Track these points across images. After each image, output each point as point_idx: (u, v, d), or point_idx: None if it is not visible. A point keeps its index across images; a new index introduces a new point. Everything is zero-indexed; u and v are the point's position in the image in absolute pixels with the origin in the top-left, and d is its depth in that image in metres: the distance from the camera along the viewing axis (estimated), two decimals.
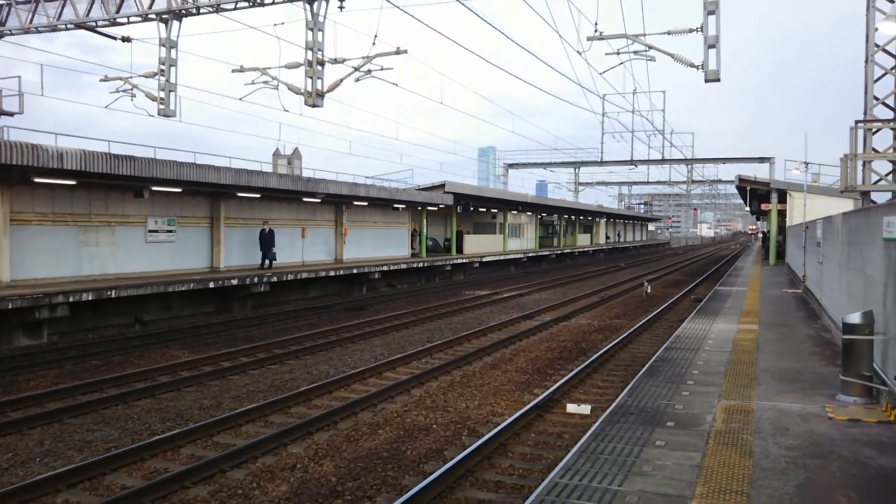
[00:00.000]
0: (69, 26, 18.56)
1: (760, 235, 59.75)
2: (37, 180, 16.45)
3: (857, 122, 15.77)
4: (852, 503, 4.89)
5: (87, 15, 18.43)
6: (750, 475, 5.43)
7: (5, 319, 14.89)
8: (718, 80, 15.99)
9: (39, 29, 19.11)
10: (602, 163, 56.74)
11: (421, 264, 32.12)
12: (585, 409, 10.23)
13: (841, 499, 4.97)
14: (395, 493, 7.11)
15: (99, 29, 18.38)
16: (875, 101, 16.20)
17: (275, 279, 22.03)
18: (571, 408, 10.34)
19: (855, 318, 7.63)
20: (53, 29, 18.84)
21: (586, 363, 13.18)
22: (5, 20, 19.80)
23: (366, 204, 30.25)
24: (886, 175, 16.39)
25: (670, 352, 11.04)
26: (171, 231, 21.28)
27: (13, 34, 19.85)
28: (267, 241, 23.67)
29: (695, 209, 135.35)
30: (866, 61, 16.13)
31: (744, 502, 4.89)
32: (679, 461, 5.77)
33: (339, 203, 28.87)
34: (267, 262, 23.73)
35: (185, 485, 7.28)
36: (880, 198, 17.14)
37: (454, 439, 9.05)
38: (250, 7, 17.23)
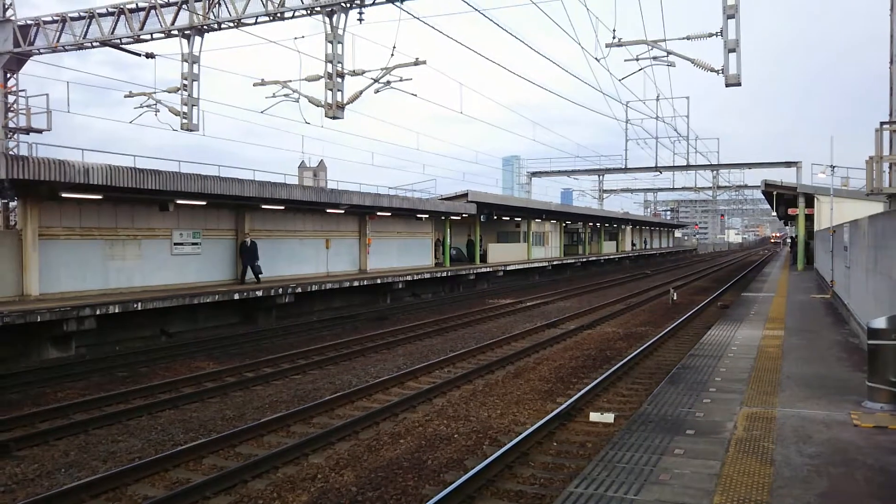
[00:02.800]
0: (95, 44, 18.92)
1: (789, 241, 58.65)
2: (64, 195, 16.77)
3: (882, 123, 15.55)
4: None
5: (112, 32, 18.79)
6: (770, 483, 5.34)
7: (35, 332, 15.15)
8: (739, 85, 15.85)
9: (66, 47, 19.49)
10: (626, 170, 56.50)
11: (445, 274, 32.13)
12: (609, 417, 10.14)
13: None
14: (415, 503, 7.10)
15: (123, 46, 18.72)
16: None
17: (299, 290, 22.16)
18: (594, 416, 10.25)
19: (880, 322, 7.50)
20: (80, 47, 19.22)
21: (610, 371, 13.07)
22: (34, 39, 20.22)
23: (389, 214, 30.35)
24: None
25: (694, 359, 10.91)
26: (196, 244, 21.51)
27: (41, 53, 20.26)
28: (248, 254, 22.35)
29: (721, 215, 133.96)
30: (891, 62, 15.89)
31: None
32: (698, 469, 5.69)
33: (363, 214, 29.01)
34: (255, 276, 22.30)
35: (205, 495, 7.33)
36: None
37: (475, 449, 9.02)
38: (270, 21, 17.44)
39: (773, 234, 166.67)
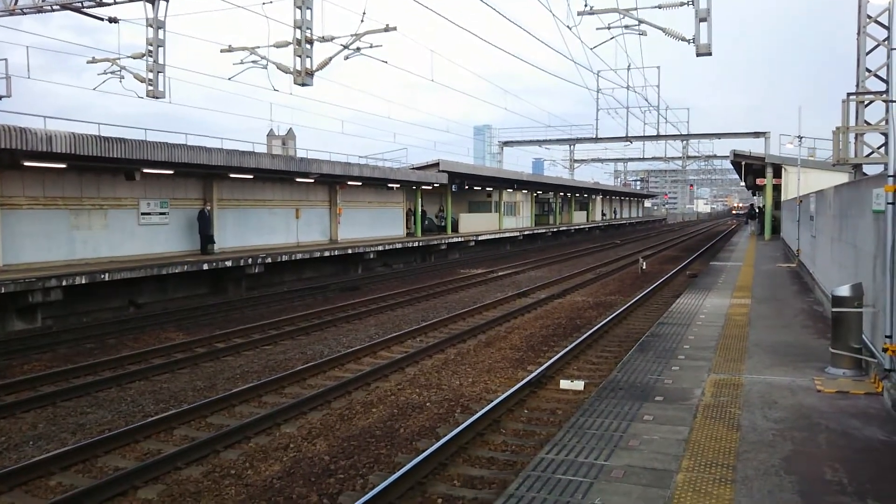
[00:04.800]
0: (55, 7, 18.33)
1: (756, 210, 58.53)
2: (26, 164, 16.37)
3: (848, 94, 15.72)
4: (837, 473, 4.93)
5: None
6: (737, 448, 5.46)
7: None
8: (710, 54, 15.90)
9: (25, 10, 18.87)
10: (597, 139, 56.42)
11: (416, 244, 32.10)
12: (579, 384, 10.26)
13: (826, 470, 5.00)
14: (387, 471, 7.14)
15: (85, 10, 18.15)
16: (867, 74, 16.12)
17: (269, 260, 22.01)
18: (565, 384, 10.37)
19: (844, 290, 7.65)
20: (39, 10, 18.61)
21: (580, 339, 13.19)
22: None
23: (360, 184, 30.16)
24: (878, 148, 16.36)
25: (663, 327, 11.07)
26: (164, 213, 21.20)
27: None
28: (204, 224, 22.00)
29: (691, 185, 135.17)
30: (858, 33, 16.02)
31: (729, 475, 4.92)
32: (666, 435, 5.79)
33: (333, 183, 28.78)
34: (210, 246, 22.10)
35: (177, 466, 7.30)
36: (872, 170, 17.13)
37: (447, 416, 9.08)
38: None
39: (736, 204, 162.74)
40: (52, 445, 8.12)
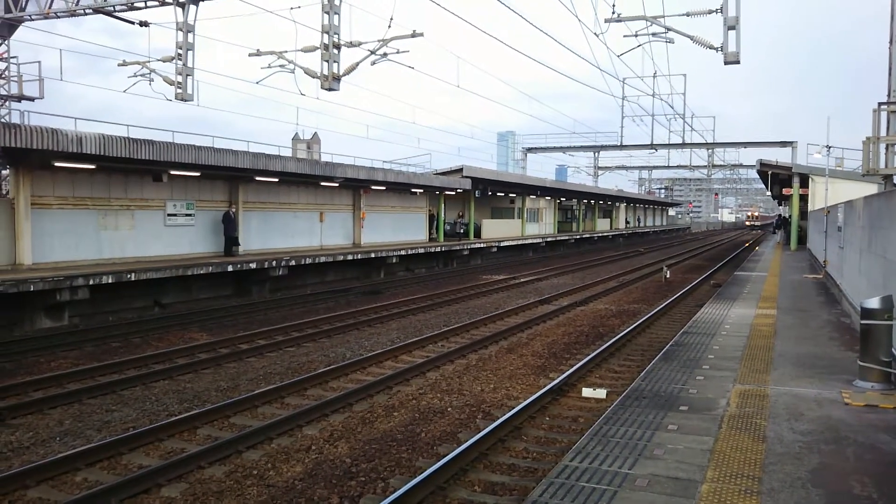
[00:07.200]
0: (88, 11, 18.64)
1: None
2: (57, 164, 16.64)
3: (880, 104, 15.50)
4: (866, 488, 4.85)
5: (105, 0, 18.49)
6: (763, 460, 5.39)
7: (28, 302, 15.11)
8: (738, 63, 15.77)
9: (59, 14, 19.21)
10: (622, 147, 56.14)
11: (438, 249, 32.13)
12: (601, 393, 10.20)
13: (854, 484, 4.92)
14: (408, 475, 7.15)
15: (117, 14, 18.44)
16: None
17: (293, 263, 22.14)
18: (587, 392, 10.31)
19: (873, 302, 7.54)
20: (72, 14, 18.93)
21: (603, 348, 13.13)
22: (25, 5, 19.92)
23: (383, 188, 30.26)
24: None
25: (687, 336, 10.97)
26: (189, 215, 21.42)
27: (33, 19, 19.97)
28: (229, 225, 22.19)
29: (716, 194, 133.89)
30: (891, 42, 15.81)
31: (755, 487, 4.86)
32: (691, 445, 5.74)
33: (357, 187, 28.92)
34: (235, 248, 22.31)
35: (200, 465, 7.36)
36: None
37: (469, 422, 9.06)
38: None
39: (749, 214, 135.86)
40: (78, 442, 8.23)
